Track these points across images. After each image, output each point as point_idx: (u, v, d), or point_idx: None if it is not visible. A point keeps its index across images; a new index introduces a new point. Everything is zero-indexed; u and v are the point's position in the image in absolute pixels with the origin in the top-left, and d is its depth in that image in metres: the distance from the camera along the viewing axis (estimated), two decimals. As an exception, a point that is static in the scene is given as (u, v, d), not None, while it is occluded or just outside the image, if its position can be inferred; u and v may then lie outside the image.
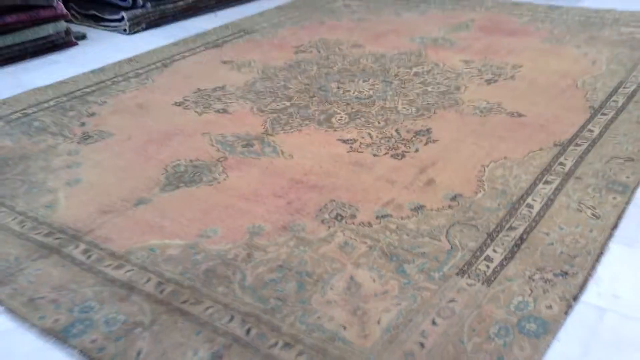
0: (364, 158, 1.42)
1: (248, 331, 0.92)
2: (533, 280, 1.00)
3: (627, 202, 1.20)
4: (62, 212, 1.25)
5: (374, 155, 1.43)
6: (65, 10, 2.25)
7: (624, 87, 1.73)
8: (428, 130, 1.54)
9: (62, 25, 2.25)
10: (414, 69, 1.96)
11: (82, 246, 1.14)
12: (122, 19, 2.45)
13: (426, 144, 1.47)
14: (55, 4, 2.20)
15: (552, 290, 0.98)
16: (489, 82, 1.83)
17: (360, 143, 1.49)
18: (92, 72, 2.05)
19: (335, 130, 1.57)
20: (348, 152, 1.45)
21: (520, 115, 1.60)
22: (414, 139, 1.50)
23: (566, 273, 1.02)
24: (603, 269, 1.03)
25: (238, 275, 1.05)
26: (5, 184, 1.37)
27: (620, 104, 1.63)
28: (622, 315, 0.93)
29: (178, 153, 1.48)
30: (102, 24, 2.54)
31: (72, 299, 1.01)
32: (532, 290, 0.98)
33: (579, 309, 0.95)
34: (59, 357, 0.90)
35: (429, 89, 1.80)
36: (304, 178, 1.35)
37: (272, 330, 0.92)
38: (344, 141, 1.51)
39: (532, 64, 1.95)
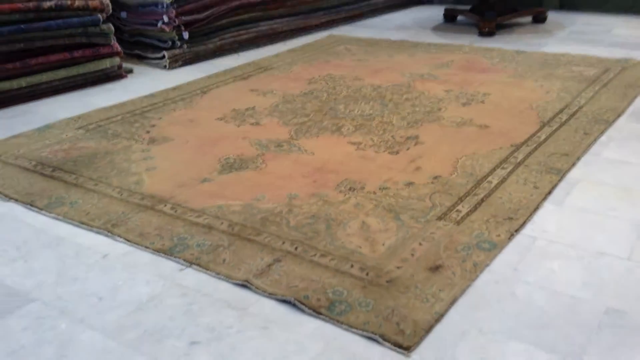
0: (368, 154, 1.89)
1: (296, 248, 1.37)
2: (488, 222, 1.46)
3: (560, 180, 1.67)
4: (147, 186, 1.71)
5: (375, 152, 1.90)
6: (119, 49, 2.75)
7: (568, 109, 2.23)
8: (416, 136, 2.02)
9: (116, 60, 2.75)
10: (405, 96, 2.46)
11: (169, 205, 1.59)
12: (163, 57, 2.96)
13: (415, 145, 1.95)
14: (112, 42, 2.71)
15: (500, 227, 1.43)
16: (464, 104, 2.33)
17: (365, 144, 1.96)
18: (145, 96, 2.53)
19: (344, 137, 2.04)
20: (356, 150, 1.93)
21: (486, 126, 2.09)
22: (405, 141, 1.98)
23: (511, 218, 1.48)
24: (537, 217, 1.49)
25: (284, 220, 1.49)
26: (99, 170, 1.82)
27: (563, 119, 2.12)
28: (547, 241, 1.38)
29: (227, 151, 1.94)
30: (145, 61, 3.05)
31: (170, 233, 1.45)
32: (487, 227, 1.43)
33: (518, 237, 1.40)
34: (169, 264, 1.34)
35: (417, 109, 2.29)
36: (324, 166, 1.81)
37: (311, 248, 1.37)
38: (352, 143, 1.98)
39: (499, 93, 2.45)
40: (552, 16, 3.90)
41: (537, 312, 1.14)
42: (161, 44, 3.00)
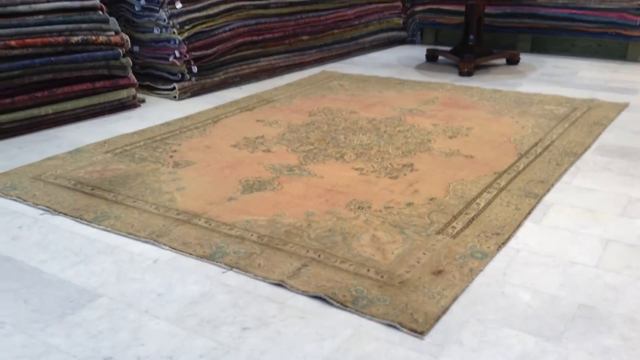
0: (370, 179, 2.15)
1: (319, 256, 1.61)
2: (479, 236, 1.72)
3: (537, 203, 1.96)
4: (180, 203, 1.93)
5: (377, 177, 2.17)
6: (135, 80, 2.99)
7: (542, 142, 2.53)
8: (411, 164, 2.29)
9: (132, 91, 2.99)
10: (397, 128, 2.74)
11: (203, 220, 1.82)
12: (173, 88, 3.20)
13: (411, 171, 2.22)
14: (129, 75, 2.94)
15: (490, 241, 1.70)
16: (450, 137, 2.61)
17: (367, 170, 2.23)
18: (161, 124, 2.76)
19: (348, 163, 2.30)
20: (359, 175, 2.19)
21: (472, 157, 2.37)
22: (402, 168, 2.25)
23: (498, 233, 1.75)
24: (520, 233, 1.76)
25: (305, 233, 1.74)
26: (133, 189, 2.04)
27: (538, 151, 2.42)
28: (529, 252, 1.65)
29: (245, 174, 2.18)
30: (155, 92, 3.29)
31: (208, 242, 1.68)
32: (478, 240, 1.70)
33: (505, 249, 1.67)
34: (212, 268, 1.56)
35: (409, 140, 2.57)
36: (333, 188, 2.07)
37: (332, 256, 1.61)
38: (355, 169, 2.24)
39: (480, 127, 2.75)
40: (525, 58, 4.27)
41: (524, 307, 1.40)
42: (171, 77, 3.25)
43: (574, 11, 4.27)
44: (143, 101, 3.13)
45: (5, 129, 2.54)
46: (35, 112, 2.61)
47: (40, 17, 2.61)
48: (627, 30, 4.10)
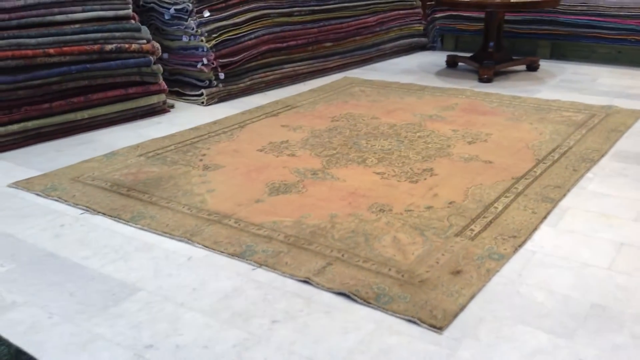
0: (392, 182, 2.24)
1: (342, 255, 1.70)
2: (497, 239, 1.80)
3: (553, 207, 2.02)
4: (211, 205, 2.04)
5: (398, 181, 2.25)
6: (165, 86, 3.11)
7: (559, 148, 2.59)
8: (431, 169, 2.37)
9: (163, 97, 3.11)
10: (418, 134, 2.82)
11: (232, 220, 1.92)
12: (201, 94, 3.32)
13: (430, 176, 2.30)
14: (160, 81, 3.07)
15: (506, 243, 1.77)
16: (469, 143, 2.69)
17: (388, 174, 2.31)
18: (190, 129, 2.88)
19: (369, 167, 2.39)
20: (380, 179, 2.27)
21: (490, 162, 2.44)
22: (422, 173, 2.33)
23: (515, 236, 1.82)
24: (536, 236, 1.83)
25: (329, 234, 1.83)
26: (167, 191, 2.15)
27: (555, 157, 2.49)
28: (544, 254, 1.72)
29: (272, 177, 2.28)
30: (184, 97, 3.41)
31: (238, 241, 1.78)
32: (496, 243, 1.77)
33: (521, 251, 1.74)
34: (242, 265, 1.66)
35: (429, 145, 2.65)
36: (356, 191, 2.16)
37: (355, 256, 1.70)
38: (377, 173, 2.33)
39: (499, 133, 2.82)
40: (544, 65, 4.32)
41: (538, 306, 1.48)
42: (199, 83, 3.37)
43: (593, 18, 4.31)
44: (172, 106, 3.26)
45: (43, 132, 2.68)
46: (71, 116, 2.75)
47: (77, 26, 2.75)
48: (647, 37, 4.13)
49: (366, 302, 1.49)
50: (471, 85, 3.81)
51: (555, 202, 2.05)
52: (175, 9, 3.27)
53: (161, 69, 3.08)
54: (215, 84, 3.35)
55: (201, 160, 2.47)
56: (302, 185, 2.21)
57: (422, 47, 5.13)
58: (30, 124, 2.60)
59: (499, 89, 3.70)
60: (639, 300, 1.49)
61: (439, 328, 1.39)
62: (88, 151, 2.57)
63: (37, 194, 2.12)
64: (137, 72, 2.96)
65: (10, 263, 1.66)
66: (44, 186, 2.19)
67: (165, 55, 3.39)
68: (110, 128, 2.91)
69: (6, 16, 2.53)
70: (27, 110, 2.59)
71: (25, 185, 2.21)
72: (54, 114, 2.69)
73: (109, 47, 2.82)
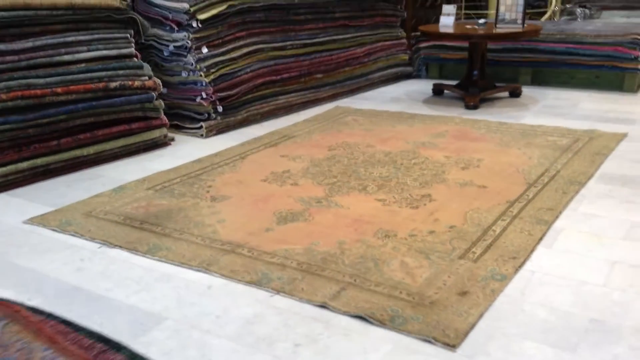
0: (393, 209, 2.35)
1: (355, 280, 1.79)
2: (498, 260, 1.91)
3: (548, 229, 2.14)
4: (223, 235, 2.12)
5: (399, 207, 2.36)
6: (167, 121, 3.21)
7: (548, 172, 2.73)
8: (429, 195, 2.48)
9: (164, 130, 3.20)
10: (413, 161, 2.94)
11: (246, 249, 2.01)
12: (200, 127, 3.42)
13: (430, 201, 2.41)
14: (161, 116, 3.17)
15: (507, 264, 1.88)
16: (463, 168, 2.82)
17: (389, 201, 2.42)
18: (194, 162, 2.97)
19: (370, 194, 2.50)
20: (382, 205, 2.38)
21: (484, 187, 2.57)
22: (421, 199, 2.44)
23: (515, 257, 1.93)
24: (534, 257, 1.94)
25: (340, 260, 1.92)
26: (178, 222, 2.23)
27: (545, 181, 2.62)
28: (543, 274, 1.84)
29: (278, 206, 2.38)
30: (183, 130, 3.50)
31: (254, 269, 1.86)
32: (497, 264, 1.88)
33: (521, 271, 1.85)
34: (260, 292, 1.75)
35: (425, 172, 2.77)
36: (360, 218, 2.26)
37: (367, 280, 1.80)
38: (378, 200, 2.44)
39: (490, 159, 2.95)
40: (526, 91, 4.50)
41: (541, 322, 1.58)
42: (198, 116, 3.47)
43: (571, 45, 4.52)
44: (173, 139, 3.35)
45: (52, 169, 2.75)
46: (78, 152, 2.82)
47: (82, 65, 2.84)
48: (622, 63, 4.34)
49: (382, 323, 1.58)
50: (459, 113, 3.96)
51: (549, 224, 2.17)
52: (174, 46, 3.38)
53: (162, 104, 3.18)
54: (214, 116, 3.46)
55: (208, 191, 2.56)
56: (309, 214, 2.30)
57: (407, 76, 5.30)
58: (39, 161, 2.67)
59: (486, 115, 3.86)
60: (635, 314, 1.60)
61: (452, 346, 1.48)
62: (96, 186, 2.64)
63: (54, 230, 2.19)
64: (140, 107, 3.05)
65: (37, 297, 1.72)
66: (59, 221, 2.26)
67: (165, 90, 3.49)
68: (115, 162, 2.98)
69: (16, 57, 2.61)
70: (37, 148, 2.66)
71: (41, 221, 2.27)
72: (62, 151, 2.76)
73: (113, 84, 2.92)
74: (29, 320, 1.04)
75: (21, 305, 1.18)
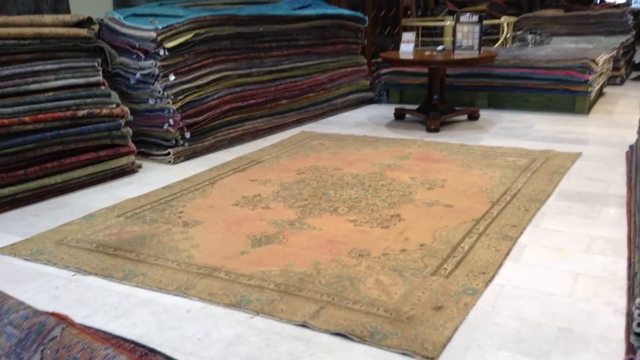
0: (365, 229, 2.40)
1: (333, 299, 1.83)
2: (468, 276, 1.98)
3: (513, 244, 2.24)
4: (199, 259, 2.14)
5: (370, 227, 2.42)
6: (134, 148, 3.21)
7: (510, 191, 2.84)
8: (398, 215, 2.56)
9: (132, 157, 3.20)
10: (380, 182, 3.02)
11: (222, 272, 2.03)
12: (168, 153, 3.42)
13: (399, 221, 2.48)
14: (129, 143, 3.17)
15: (478, 279, 1.96)
16: (428, 189, 2.91)
17: (360, 221, 2.48)
18: (163, 188, 2.97)
19: (342, 216, 2.55)
20: (354, 226, 2.44)
21: (450, 206, 2.66)
22: (391, 218, 2.51)
23: (484, 272, 2.01)
24: (502, 271, 2.02)
25: (316, 280, 1.96)
26: (152, 248, 2.24)
27: (507, 199, 2.73)
28: (512, 287, 1.91)
29: (251, 230, 2.41)
30: (151, 157, 3.50)
31: (232, 292, 1.88)
32: (468, 279, 1.95)
33: (491, 285, 1.92)
34: (240, 314, 1.77)
35: (393, 193, 2.85)
36: (334, 239, 2.31)
37: (344, 299, 1.84)
38: (350, 221, 2.49)
39: (453, 179, 3.06)
40: (484, 114, 4.67)
41: (514, 332, 1.65)
42: (165, 143, 3.48)
43: (524, 70, 4.72)
44: (140, 166, 3.34)
45: (18, 198, 2.71)
46: (45, 181, 2.79)
47: (50, 94, 2.83)
48: (573, 86, 4.56)
49: (362, 340, 1.62)
50: (420, 135, 4.08)
51: (514, 240, 2.26)
52: (141, 74, 3.39)
53: (130, 131, 3.18)
54: (182, 143, 3.47)
55: (179, 217, 2.57)
56: (282, 236, 2.34)
57: (369, 101, 5.43)
58: (6, 191, 2.63)
59: (447, 138, 3.99)
60: (599, 322, 1.69)
61: (431, 358, 1.54)
62: (65, 214, 2.62)
63: (25, 259, 2.16)
64: (107, 135, 3.04)
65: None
66: (30, 250, 2.23)
67: (131, 118, 3.49)
68: (83, 191, 2.96)
69: (-18, 87, 2.59)
70: (3, 178, 2.62)
71: (11, 250, 2.24)
72: (29, 180, 2.73)
73: (81, 112, 2.91)
74: (77, 327, 1.06)
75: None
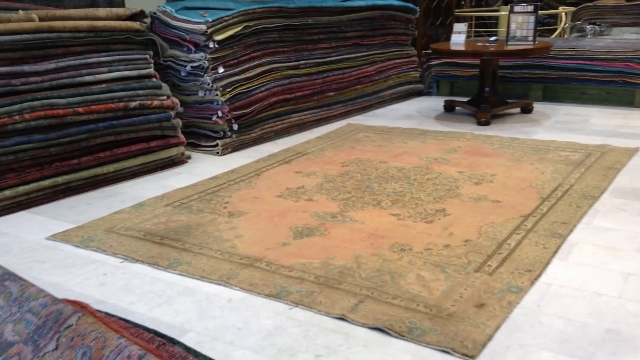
0: (408, 223, 2.38)
1: (372, 293, 1.82)
2: (513, 273, 1.93)
3: (562, 242, 2.17)
4: (241, 249, 2.17)
5: (413, 222, 2.39)
6: (184, 139, 3.28)
7: (561, 187, 2.75)
8: (443, 209, 2.51)
9: (182, 148, 3.27)
10: (426, 176, 2.98)
11: (264, 263, 2.05)
12: (216, 145, 3.48)
13: (444, 216, 2.44)
14: (179, 134, 3.23)
15: (523, 277, 1.91)
16: (476, 183, 2.85)
17: (403, 215, 2.45)
18: (210, 179, 3.03)
19: (385, 209, 2.53)
20: (397, 220, 2.41)
21: (498, 201, 2.59)
22: (435, 213, 2.47)
23: (530, 270, 1.95)
24: (549, 269, 1.96)
25: (356, 274, 1.95)
26: (197, 238, 2.28)
27: (559, 195, 2.64)
28: (558, 286, 1.86)
29: (294, 221, 2.42)
30: (199, 148, 3.57)
31: (272, 282, 1.90)
32: (513, 277, 1.91)
33: (537, 284, 1.87)
34: (280, 305, 1.78)
35: (438, 187, 2.80)
36: (376, 232, 2.29)
37: (384, 293, 1.82)
38: (392, 215, 2.47)
39: (503, 174, 2.98)
40: (538, 107, 4.53)
41: (558, 333, 1.60)
42: (214, 134, 3.54)
43: (582, 62, 4.55)
44: (189, 157, 3.41)
45: (72, 187, 2.81)
46: (98, 170, 2.89)
47: (103, 85, 2.92)
48: (633, 79, 4.37)
49: (400, 335, 1.61)
50: (470, 129, 3.99)
51: (563, 238, 2.19)
52: (191, 66, 3.46)
53: (180, 122, 3.25)
54: (229, 134, 3.52)
55: (225, 207, 2.61)
56: (324, 228, 2.34)
57: (418, 93, 5.36)
58: (60, 179, 2.74)
59: (498, 131, 3.89)
60: (651, 324, 1.62)
61: (471, 357, 1.51)
62: (116, 203, 2.70)
63: (76, 245, 2.24)
64: (158, 126, 3.12)
65: (63, 310, 1.77)
66: (81, 237, 2.31)
67: (181, 109, 3.56)
68: (134, 180, 3.05)
69: (39, 78, 2.69)
70: (58, 166, 2.73)
71: (63, 237, 2.33)
72: (82, 169, 2.83)
73: (133, 104, 2.99)
74: (96, 316, 1.10)
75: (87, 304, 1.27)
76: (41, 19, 2.75)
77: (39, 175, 2.68)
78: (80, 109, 2.78)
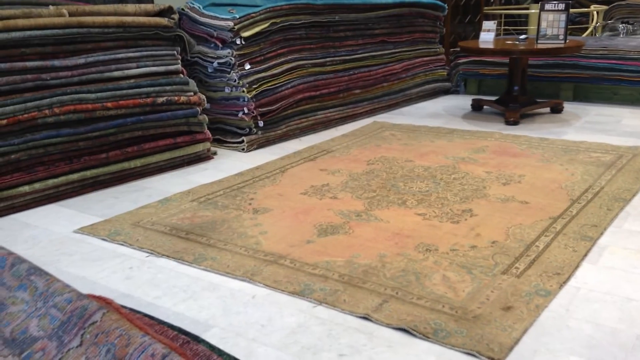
0: (434, 223, 2.35)
1: (397, 293, 1.81)
2: (542, 276, 1.89)
3: (592, 245, 2.12)
4: (266, 246, 2.16)
5: (440, 221, 2.36)
6: (210, 135, 3.29)
7: (592, 189, 2.69)
8: (470, 210, 2.48)
9: (208, 145, 3.29)
10: (453, 176, 2.94)
11: (288, 260, 2.04)
12: (242, 141, 3.49)
13: (470, 216, 2.41)
14: (205, 130, 3.25)
15: (552, 280, 1.87)
16: (504, 184, 2.80)
17: (429, 215, 2.43)
18: (236, 175, 3.03)
19: (410, 209, 2.51)
20: (423, 220, 2.39)
21: (526, 202, 2.55)
22: (462, 213, 2.44)
23: (559, 273, 1.91)
24: (579, 273, 1.92)
25: (381, 273, 1.94)
26: (222, 233, 2.29)
27: (589, 197, 2.59)
28: (588, 290, 1.81)
29: (319, 219, 2.41)
30: (225, 144, 3.58)
31: (296, 280, 1.89)
32: (541, 280, 1.87)
33: (566, 287, 1.83)
34: (303, 303, 1.77)
35: (465, 187, 2.77)
36: (401, 232, 2.27)
37: (409, 293, 1.81)
38: (418, 214, 2.45)
39: (532, 175, 2.93)
40: (568, 107, 4.44)
41: (587, 338, 1.57)
42: (239, 131, 3.55)
43: (614, 61, 4.45)
44: (215, 153, 3.43)
45: (100, 180, 2.85)
46: (125, 165, 2.92)
47: (132, 81, 2.95)
48: (667, 79, 4.26)
49: (425, 336, 1.59)
50: (499, 128, 3.94)
51: (593, 241, 2.14)
52: (218, 63, 3.47)
53: (206, 119, 3.26)
54: (255, 131, 3.53)
55: (250, 204, 2.61)
56: (349, 227, 2.33)
57: (445, 92, 5.30)
58: (89, 173, 2.77)
59: (527, 131, 3.83)
60: (685, 332, 1.57)
61: (496, 360, 1.48)
62: (143, 197, 2.72)
63: (103, 239, 2.27)
64: (185, 122, 3.14)
65: (89, 303, 1.78)
66: (108, 231, 2.34)
67: (208, 105, 3.58)
68: (161, 175, 3.07)
69: (69, 73, 2.73)
70: (86, 160, 2.76)
71: (90, 230, 2.36)
72: (110, 163, 2.86)
73: (160, 99, 3.01)
74: (121, 312, 1.11)
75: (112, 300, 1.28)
76: (71, 15, 2.78)
77: (68, 169, 2.71)
78: (109, 104, 2.81)
